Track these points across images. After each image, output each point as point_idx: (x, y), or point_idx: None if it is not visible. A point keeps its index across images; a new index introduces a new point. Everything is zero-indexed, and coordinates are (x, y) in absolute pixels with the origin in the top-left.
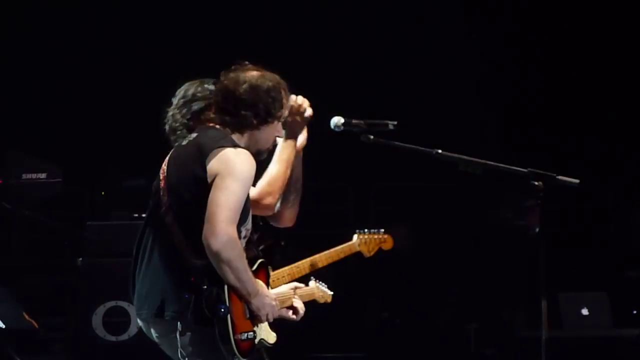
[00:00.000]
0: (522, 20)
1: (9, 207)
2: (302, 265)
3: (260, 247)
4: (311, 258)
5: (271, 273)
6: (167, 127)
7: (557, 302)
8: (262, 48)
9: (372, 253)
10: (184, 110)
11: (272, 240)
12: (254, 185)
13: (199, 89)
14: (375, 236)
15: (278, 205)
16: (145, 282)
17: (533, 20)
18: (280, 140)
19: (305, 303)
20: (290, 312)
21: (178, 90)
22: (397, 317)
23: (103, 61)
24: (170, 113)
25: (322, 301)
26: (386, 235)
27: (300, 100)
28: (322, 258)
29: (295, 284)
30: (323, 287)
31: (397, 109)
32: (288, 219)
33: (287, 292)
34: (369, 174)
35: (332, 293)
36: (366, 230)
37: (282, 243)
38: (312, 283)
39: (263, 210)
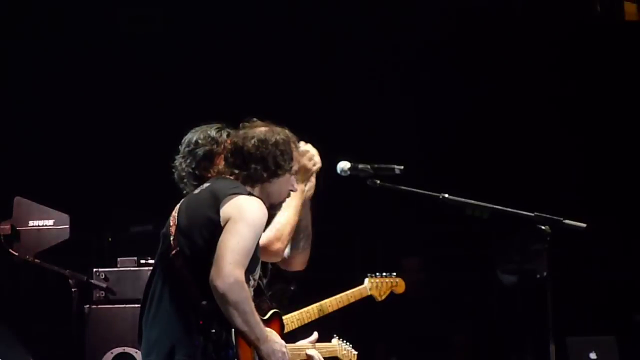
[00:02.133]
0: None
1: (16, 255)
2: (312, 310)
3: (269, 293)
4: (321, 302)
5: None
6: (175, 175)
7: (565, 347)
8: (267, 97)
9: (383, 297)
10: (189, 159)
11: (281, 285)
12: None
13: (201, 135)
14: (387, 280)
15: (287, 251)
16: (154, 327)
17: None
18: None
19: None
20: None
21: (184, 139)
22: None
23: (111, 109)
24: (177, 162)
25: None
26: (398, 278)
27: (308, 148)
28: (333, 302)
29: (313, 337)
30: (347, 346)
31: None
32: (299, 264)
33: (303, 344)
34: (376, 218)
35: (356, 353)
36: (377, 274)
37: (292, 288)
38: (335, 340)
39: (271, 257)
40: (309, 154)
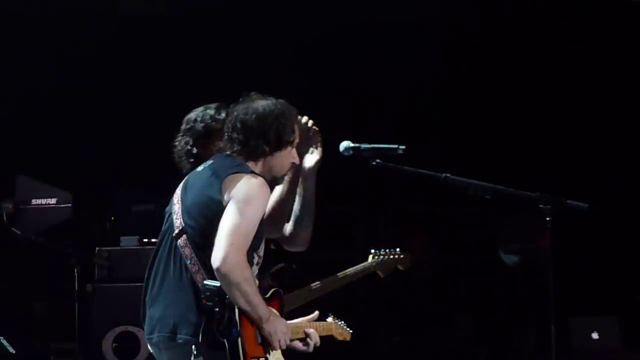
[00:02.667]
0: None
1: (19, 233)
2: (317, 288)
3: (271, 271)
4: (327, 280)
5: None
6: (174, 154)
7: (568, 327)
8: (270, 75)
9: (387, 273)
10: (187, 137)
11: (283, 265)
12: None
13: (201, 114)
14: (392, 256)
15: (290, 228)
16: (157, 306)
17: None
18: None
19: (320, 338)
20: (301, 343)
21: (184, 118)
22: (408, 341)
23: (114, 88)
24: (176, 141)
25: (340, 338)
26: (403, 254)
27: (308, 123)
28: (338, 280)
29: (313, 316)
30: (342, 325)
31: (408, 132)
32: (302, 242)
33: (301, 323)
34: (379, 197)
35: (351, 331)
36: (382, 250)
37: (294, 267)
38: (330, 319)
39: (273, 232)
40: (306, 125)
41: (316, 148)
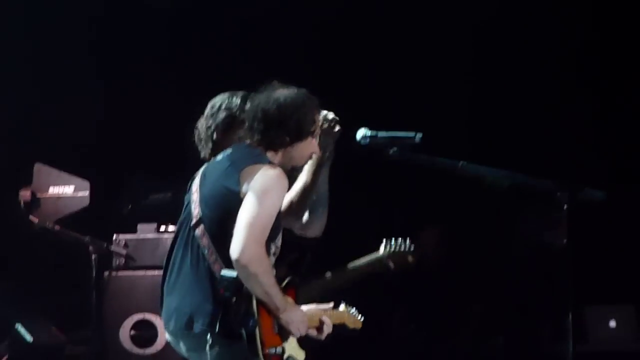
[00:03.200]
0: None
1: (36, 221)
2: (332, 279)
3: (287, 261)
4: (341, 271)
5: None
6: (195, 136)
7: (585, 316)
8: (287, 63)
9: (399, 266)
10: (210, 122)
11: (298, 254)
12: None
13: (226, 101)
14: (403, 248)
15: (306, 217)
16: (174, 295)
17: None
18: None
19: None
20: (316, 331)
21: (210, 101)
22: (424, 329)
23: (130, 75)
24: (199, 123)
25: (352, 327)
26: (413, 246)
27: (330, 116)
28: (351, 271)
29: (325, 305)
30: (354, 312)
31: (424, 121)
32: (317, 230)
33: (316, 311)
34: (394, 187)
35: (362, 319)
36: (393, 242)
37: (309, 257)
38: (343, 307)
39: (290, 222)
40: (329, 118)
41: (334, 140)
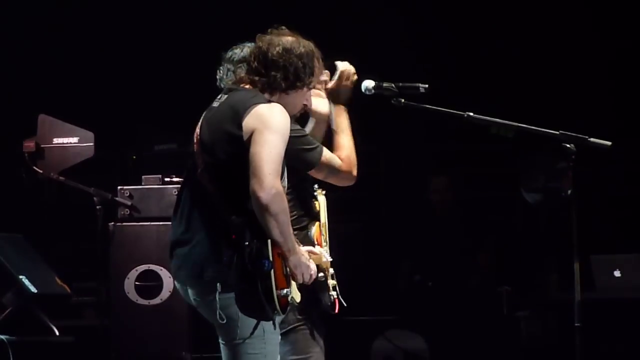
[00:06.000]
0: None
1: (41, 172)
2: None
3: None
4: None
5: None
6: (217, 80)
7: (590, 265)
8: (294, 11)
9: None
10: (226, 66)
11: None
12: None
13: (238, 49)
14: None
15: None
16: (183, 244)
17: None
18: (332, 109)
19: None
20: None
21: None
22: (429, 280)
23: (135, 25)
24: (219, 69)
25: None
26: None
27: (346, 66)
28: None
29: (311, 248)
30: (324, 251)
31: (429, 71)
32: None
33: (319, 250)
34: (401, 136)
35: (331, 259)
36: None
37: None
38: (318, 248)
39: (348, 181)
40: (347, 72)
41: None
